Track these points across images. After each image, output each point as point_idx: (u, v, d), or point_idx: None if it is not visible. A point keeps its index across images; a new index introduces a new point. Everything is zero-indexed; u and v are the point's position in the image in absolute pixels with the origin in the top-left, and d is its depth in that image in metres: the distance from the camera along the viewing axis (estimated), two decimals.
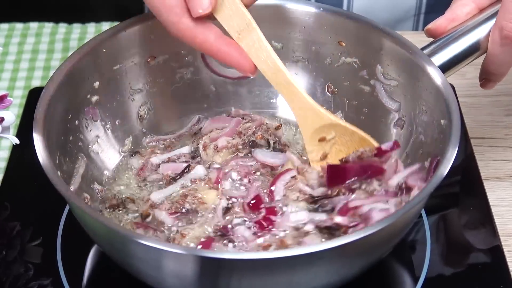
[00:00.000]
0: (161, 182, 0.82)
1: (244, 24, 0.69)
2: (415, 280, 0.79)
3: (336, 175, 0.73)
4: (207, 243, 0.72)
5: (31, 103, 0.99)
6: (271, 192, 0.76)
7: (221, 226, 0.74)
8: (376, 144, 0.77)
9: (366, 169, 0.72)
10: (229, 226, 0.74)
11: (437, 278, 0.79)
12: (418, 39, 0.90)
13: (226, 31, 0.73)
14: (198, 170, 0.81)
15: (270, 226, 0.72)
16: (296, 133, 0.90)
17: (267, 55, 0.71)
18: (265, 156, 0.81)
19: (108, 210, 0.80)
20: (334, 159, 0.78)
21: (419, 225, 0.84)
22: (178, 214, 0.76)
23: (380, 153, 0.75)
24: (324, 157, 0.77)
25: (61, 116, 0.79)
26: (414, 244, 0.83)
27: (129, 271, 0.71)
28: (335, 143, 0.76)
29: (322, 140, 0.76)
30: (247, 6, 0.73)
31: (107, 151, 0.86)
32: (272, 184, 0.77)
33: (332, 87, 0.90)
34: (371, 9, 1.11)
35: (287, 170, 0.78)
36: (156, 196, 0.79)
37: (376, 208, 0.71)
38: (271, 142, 0.84)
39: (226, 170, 0.80)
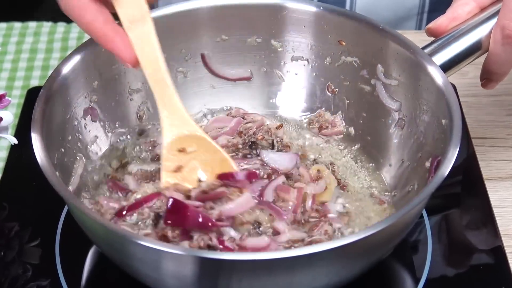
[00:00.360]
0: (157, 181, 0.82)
1: (139, 15, 0.68)
2: (416, 281, 0.79)
3: (176, 212, 0.68)
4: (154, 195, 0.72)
5: (30, 102, 0.99)
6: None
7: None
8: (235, 169, 0.73)
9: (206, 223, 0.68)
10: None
11: (439, 279, 0.79)
12: (420, 38, 0.90)
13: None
14: None
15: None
16: (298, 133, 0.90)
17: (152, 51, 0.69)
18: (274, 161, 0.80)
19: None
20: (187, 175, 0.74)
21: (420, 226, 0.84)
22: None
23: (229, 178, 0.72)
24: (178, 169, 0.73)
25: (60, 116, 0.79)
26: (415, 245, 0.83)
27: (127, 272, 0.71)
28: (193, 158, 0.73)
29: (181, 151, 0.73)
30: (150, 2, 0.71)
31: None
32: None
33: (332, 87, 0.91)
34: (373, 7, 1.11)
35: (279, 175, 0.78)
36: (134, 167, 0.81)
37: None
38: (275, 142, 0.84)
39: None
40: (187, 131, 0.72)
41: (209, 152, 0.73)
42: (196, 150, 0.72)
